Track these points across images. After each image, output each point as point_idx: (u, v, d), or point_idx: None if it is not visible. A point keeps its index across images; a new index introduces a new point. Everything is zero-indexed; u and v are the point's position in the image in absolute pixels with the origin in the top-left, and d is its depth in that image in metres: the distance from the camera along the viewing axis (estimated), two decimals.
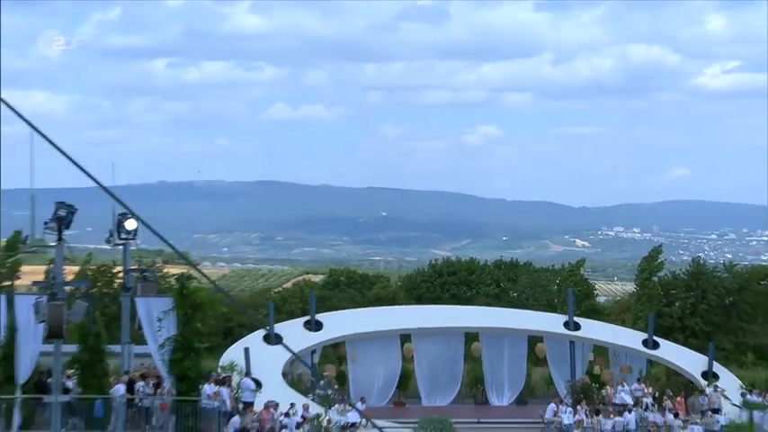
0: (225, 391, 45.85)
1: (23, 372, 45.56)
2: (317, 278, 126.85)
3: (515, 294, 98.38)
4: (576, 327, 63.75)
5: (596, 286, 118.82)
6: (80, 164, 10.76)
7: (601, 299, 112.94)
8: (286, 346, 52.85)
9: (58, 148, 10.34)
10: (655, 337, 63.26)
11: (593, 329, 65.98)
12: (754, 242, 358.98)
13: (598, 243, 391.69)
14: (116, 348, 50.53)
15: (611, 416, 55.11)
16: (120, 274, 58.21)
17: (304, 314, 64.43)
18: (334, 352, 64.10)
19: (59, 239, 41.17)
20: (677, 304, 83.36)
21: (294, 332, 59.43)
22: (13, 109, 9.96)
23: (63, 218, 40.78)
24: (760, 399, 54.58)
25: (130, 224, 48.03)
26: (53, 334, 40.84)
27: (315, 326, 60.00)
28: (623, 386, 59.56)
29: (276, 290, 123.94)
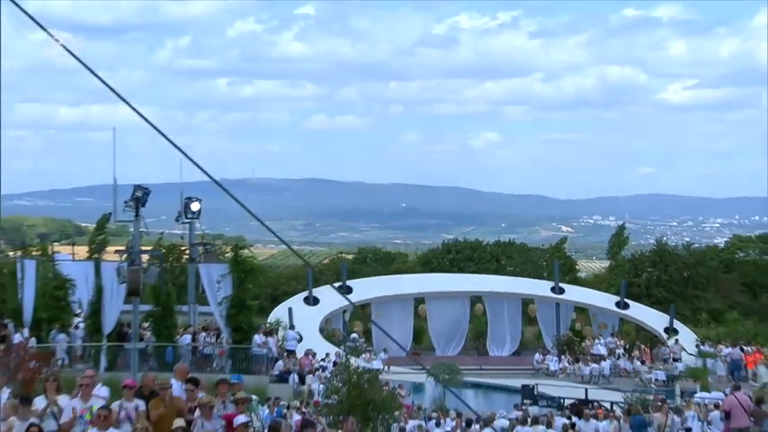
0: (272, 340, 46.00)
1: (108, 324, 45.73)
2: (349, 257, 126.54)
3: (511, 269, 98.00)
4: (561, 291, 63.96)
5: (578, 263, 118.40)
6: (195, 160, 10.71)
7: (582, 274, 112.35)
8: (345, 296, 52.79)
9: (172, 143, 10.28)
10: (625, 300, 63.52)
11: (575, 293, 66.23)
12: (708, 228, 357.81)
13: (580, 229, 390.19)
14: (183, 308, 50.70)
15: (590, 363, 55.28)
16: (188, 251, 58.22)
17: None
18: (362, 312, 64.24)
19: (137, 215, 41.34)
20: (644, 276, 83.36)
21: (329, 295, 59.57)
22: (132, 107, 9.93)
23: (140, 198, 40.98)
24: (711, 349, 54.52)
25: (195, 206, 48.14)
26: (132, 293, 41.21)
27: (346, 290, 60.08)
28: (600, 340, 59.73)
29: (315, 265, 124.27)
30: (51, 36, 9.48)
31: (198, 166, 10.75)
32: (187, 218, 49.05)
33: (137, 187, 41.30)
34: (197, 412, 17.10)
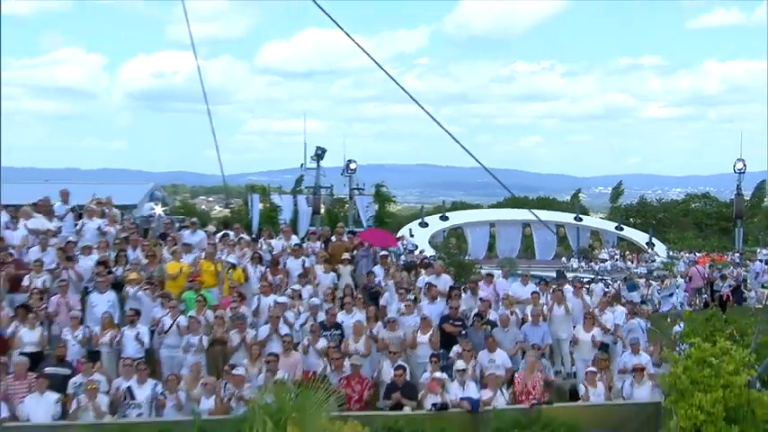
0: (399, 244, 45.66)
1: (302, 232, 46.05)
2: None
3: None
4: (580, 219, 62.37)
5: (590, 213, 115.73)
6: (466, 147, 10.44)
7: None
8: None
9: (448, 132, 9.98)
10: (621, 225, 61.99)
11: (589, 221, 64.77)
12: (671, 193, 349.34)
13: (590, 195, 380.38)
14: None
15: (598, 263, 53.89)
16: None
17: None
18: (455, 232, 63.43)
19: (318, 166, 41.36)
20: (631, 220, 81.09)
21: (434, 221, 59.03)
22: (419, 104, 9.64)
23: (320, 154, 41.04)
24: (676, 254, 52.68)
25: (353, 165, 47.77)
26: (315, 212, 41.26)
27: (445, 218, 59.51)
28: (604, 249, 58.26)
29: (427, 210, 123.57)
30: (352, 39, 9.25)
31: (466, 150, 10.47)
32: (347, 172, 48.97)
33: (318, 148, 41.40)
34: (355, 250, 16.96)
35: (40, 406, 10.81)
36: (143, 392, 11.47)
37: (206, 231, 17.21)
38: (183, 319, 13.11)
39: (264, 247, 16.66)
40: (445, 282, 15.61)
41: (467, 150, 10.30)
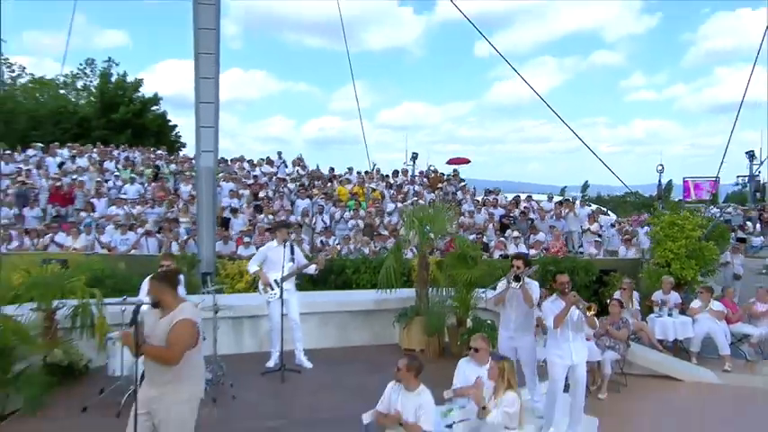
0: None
1: None
2: None
3: None
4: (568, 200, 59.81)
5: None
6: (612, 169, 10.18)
7: None
8: None
9: (594, 153, 9.80)
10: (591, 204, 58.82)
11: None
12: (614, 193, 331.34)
13: (567, 197, 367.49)
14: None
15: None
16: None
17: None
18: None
19: (414, 164, 40.29)
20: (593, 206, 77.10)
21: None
22: (570, 128, 9.61)
23: (414, 157, 39.85)
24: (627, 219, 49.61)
25: (432, 168, 46.52)
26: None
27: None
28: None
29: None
30: (492, 46, 8.89)
31: (610, 169, 10.11)
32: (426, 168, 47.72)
33: (413, 153, 40.29)
34: (445, 182, 16.64)
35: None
36: (330, 242, 11.56)
37: (358, 172, 17.26)
38: (347, 214, 13.19)
39: (392, 180, 16.61)
40: (502, 198, 15.62)
41: (605, 164, 9.67)
